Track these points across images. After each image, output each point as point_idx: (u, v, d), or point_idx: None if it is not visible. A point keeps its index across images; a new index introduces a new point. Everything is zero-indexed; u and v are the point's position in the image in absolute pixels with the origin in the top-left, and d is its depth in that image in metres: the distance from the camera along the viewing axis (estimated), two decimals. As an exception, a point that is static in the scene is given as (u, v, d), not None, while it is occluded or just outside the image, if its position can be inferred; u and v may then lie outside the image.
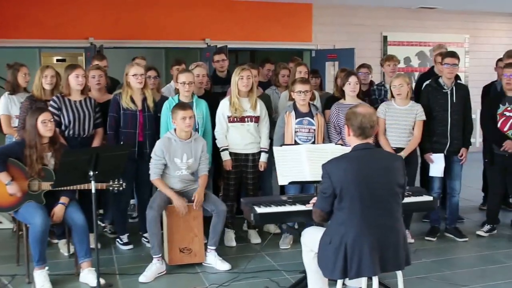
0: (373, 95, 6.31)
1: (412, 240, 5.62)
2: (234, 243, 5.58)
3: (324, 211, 3.50)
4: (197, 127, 5.38)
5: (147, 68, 5.87)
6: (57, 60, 13.61)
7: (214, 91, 6.32)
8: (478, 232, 5.89)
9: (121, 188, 4.70)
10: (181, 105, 5.01)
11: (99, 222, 6.19)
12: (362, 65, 6.65)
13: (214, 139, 5.52)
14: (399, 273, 3.60)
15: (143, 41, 9.55)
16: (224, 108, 5.44)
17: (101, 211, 6.20)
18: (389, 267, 3.46)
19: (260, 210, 3.98)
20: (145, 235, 5.46)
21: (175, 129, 5.00)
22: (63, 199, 4.58)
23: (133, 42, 9.46)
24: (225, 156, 5.45)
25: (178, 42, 9.83)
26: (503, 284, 4.58)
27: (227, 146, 5.45)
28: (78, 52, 11.93)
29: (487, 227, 5.91)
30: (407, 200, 4.29)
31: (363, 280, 3.49)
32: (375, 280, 3.46)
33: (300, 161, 4.33)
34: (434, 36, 11.19)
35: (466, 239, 5.72)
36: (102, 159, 4.12)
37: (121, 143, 5.22)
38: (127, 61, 6.29)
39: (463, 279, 4.67)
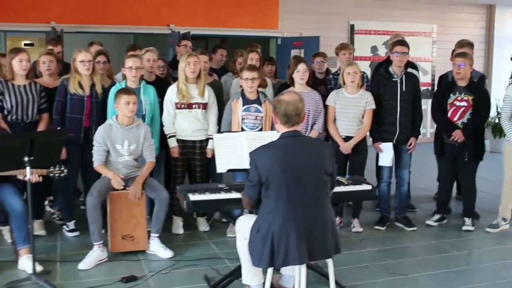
0: (329, 84, 6.26)
1: (361, 229, 5.64)
2: (181, 231, 5.54)
3: (252, 199, 3.47)
4: (144, 113, 5.32)
5: (97, 53, 5.79)
6: (25, 45, 13.39)
7: (174, 76, 6.22)
8: (428, 222, 5.90)
9: (62, 175, 4.63)
10: (125, 90, 4.95)
11: (49, 209, 6.14)
12: (318, 54, 6.59)
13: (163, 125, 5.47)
14: (330, 261, 3.58)
15: (105, 26, 9.45)
16: (171, 94, 5.38)
17: (52, 198, 6.13)
18: (317, 255, 3.44)
19: (193, 197, 3.93)
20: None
21: (117, 115, 4.94)
22: None
23: (95, 27, 9.37)
24: (172, 143, 5.39)
25: (142, 28, 9.73)
26: (443, 273, 4.59)
27: (174, 132, 5.39)
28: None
29: (436, 216, 5.92)
30: (345, 188, 4.31)
31: (296, 269, 3.47)
32: (303, 268, 3.45)
33: (240, 148, 4.28)
34: (401, 25, 11.17)
35: (415, 228, 5.73)
36: (38, 144, 4.06)
37: (58, 128, 5.14)
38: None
39: (404, 268, 4.67)
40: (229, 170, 4.31)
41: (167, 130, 5.40)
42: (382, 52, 11.13)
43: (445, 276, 4.55)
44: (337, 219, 5.70)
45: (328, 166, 3.46)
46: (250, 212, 3.96)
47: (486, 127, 6.75)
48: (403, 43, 5.65)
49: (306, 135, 5.44)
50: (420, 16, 11.48)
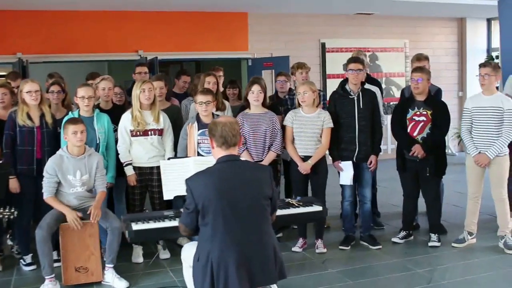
0: (286, 104, 6.20)
1: (325, 250, 5.55)
2: (141, 260, 5.43)
3: (188, 227, 3.40)
4: (98, 142, 5.26)
5: (51, 83, 5.75)
6: (-1, 76, 13.33)
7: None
8: (394, 239, 5.82)
9: (12, 217, 4.51)
10: (72, 120, 4.89)
11: (10, 242, 6.03)
12: (280, 73, 6.54)
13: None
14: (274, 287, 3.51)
15: (73, 55, 9.39)
16: (126, 122, 5.32)
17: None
18: (259, 282, 3.34)
19: (136, 226, 3.86)
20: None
21: (67, 146, 4.87)
22: None
23: (63, 56, 9.31)
24: (129, 171, 5.32)
25: (110, 55, 9.70)
26: (400, 293, 4.52)
27: (130, 160, 5.33)
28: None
29: (402, 233, 5.84)
30: (295, 211, 4.25)
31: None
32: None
33: (188, 173, 4.18)
34: (373, 41, 11.21)
35: (380, 246, 5.64)
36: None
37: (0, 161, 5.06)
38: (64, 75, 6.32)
39: (364, 289, 4.60)
40: (176, 197, 4.24)
41: (123, 158, 5.33)
42: (355, 69, 11.11)
43: (403, 295, 4.48)
44: (301, 241, 5.64)
45: (266, 190, 3.40)
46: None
47: (461, 140, 6.66)
48: (357, 60, 5.62)
49: (263, 156, 5.40)
50: (391, 32, 11.50)
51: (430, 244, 5.63)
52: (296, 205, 4.25)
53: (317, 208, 4.24)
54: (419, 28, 11.74)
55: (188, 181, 3.37)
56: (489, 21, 11.98)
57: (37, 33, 9.15)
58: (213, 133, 3.42)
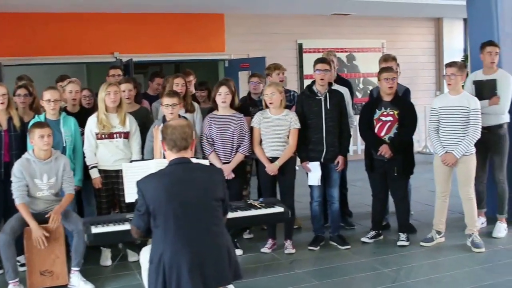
0: (259, 105, 6.18)
1: (293, 251, 5.56)
2: (109, 262, 5.40)
3: (140, 229, 3.39)
4: (64, 145, 5.24)
5: (17, 86, 5.73)
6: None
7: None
8: (363, 239, 5.84)
9: None
10: (38, 124, 4.88)
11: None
12: (253, 75, 6.52)
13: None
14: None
15: (48, 57, 9.35)
16: (91, 124, 5.31)
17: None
18: (212, 284, 3.33)
19: (95, 230, 3.86)
20: (18, 258, 5.27)
21: (33, 149, 4.85)
22: None
23: (38, 58, 9.26)
24: (94, 174, 5.31)
25: (86, 57, 9.66)
26: (365, 293, 4.54)
27: (96, 163, 5.32)
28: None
29: (372, 233, 5.86)
30: (257, 212, 4.26)
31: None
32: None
33: (151, 176, 4.21)
34: (350, 42, 11.26)
35: (349, 246, 5.66)
36: None
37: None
38: (39, 79, 6.22)
39: (327, 289, 4.62)
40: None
41: (89, 161, 5.32)
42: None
43: (367, 295, 4.50)
44: (270, 241, 5.65)
45: (218, 192, 3.41)
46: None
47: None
48: (323, 60, 5.64)
49: (231, 157, 5.41)
50: (368, 32, 11.54)
51: (398, 243, 5.66)
52: (258, 206, 4.26)
53: (279, 209, 4.26)
54: (396, 28, 11.80)
55: (139, 183, 3.37)
56: (465, 20, 11.97)
57: (12, 35, 9.09)
58: (164, 136, 3.44)
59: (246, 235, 6.14)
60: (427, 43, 11.91)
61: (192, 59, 10.37)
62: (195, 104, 5.94)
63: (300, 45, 11.02)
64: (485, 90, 5.86)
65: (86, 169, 5.40)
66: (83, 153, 5.36)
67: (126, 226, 3.92)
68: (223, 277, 3.36)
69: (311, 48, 10.92)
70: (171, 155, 3.43)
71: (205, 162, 4.12)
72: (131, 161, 4.73)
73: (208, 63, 10.96)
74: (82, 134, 5.47)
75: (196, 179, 3.37)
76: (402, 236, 5.71)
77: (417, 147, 9.03)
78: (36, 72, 8.75)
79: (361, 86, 11.57)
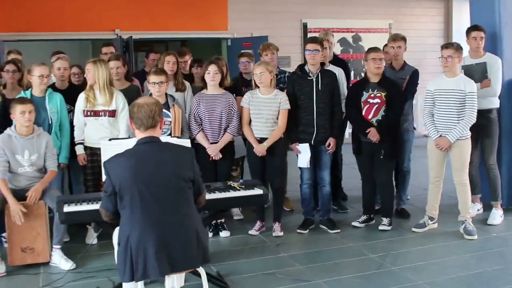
0: (250, 85, 6.07)
1: (281, 233, 5.48)
2: (95, 241, 5.36)
3: (108, 211, 3.33)
4: (50, 122, 5.18)
5: (6, 62, 5.69)
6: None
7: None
8: (354, 223, 5.73)
9: None
10: (19, 100, 4.82)
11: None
12: (242, 54, 6.36)
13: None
14: (202, 271, 3.44)
15: (49, 33, 9.28)
16: (80, 101, 5.25)
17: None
18: (179, 266, 3.27)
19: (67, 208, 3.80)
20: (3, 234, 5.25)
21: (15, 125, 4.79)
22: None
23: (38, 34, 9.19)
24: (78, 150, 5.28)
25: (87, 34, 9.57)
26: (348, 278, 4.45)
27: (82, 140, 5.27)
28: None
29: (363, 217, 5.75)
30: (235, 194, 4.18)
31: (166, 279, 3.32)
32: (175, 279, 3.34)
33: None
34: (356, 22, 11.04)
35: (338, 230, 5.56)
36: None
37: None
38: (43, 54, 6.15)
39: (309, 274, 4.51)
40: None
41: (76, 138, 5.29)
42: (337, 50, 10.95)
43: (349, 281, 4.41)
44: (258, 223, 5.57)
45: (186, 172, 3.32)
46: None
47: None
48: (314, 40, 5.50)
49: (219, 138, 5.31)
50: (375, 12, 11.31)
51: (380, 227, 5.56)
52: (238, 188, 4.16)
53: (258, 191, 4.16)
54: (404, 8, 11.55)
55: (105, 163, 3.31)
56: (475, 1, 11.75)
57: (11, 10, 9.02)
58: (131, 115, 3.36)
59: (236, 216, 6.06)
60: (436, 24, 11.66)
61: (194, 37, 10.24)
62: (186, 83, 5.83)
63: (305, 25, 10.83)
64: (476, 74, 5.70)
65: (74, 147, 5.34)
66: (70, 131, 5.31)
67: (97, 206, 3.84)
68: (190, 259, 3.29)
69: (316, 28, 10.69)
70: (139, 134, 3.36)
71: (175, 140, 4.00)
72: (110, 139, 4.64)
73: (213, 41, 10.80)
74: (70, 111, 5.43)
75: (164, 158, 3.29)
76: (385, 220, 5.61)
77: (424, 131, 8.84)
78: (36, 49, 8.73)
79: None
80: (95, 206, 3.83)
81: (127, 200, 3.19)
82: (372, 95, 5.42)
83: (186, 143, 4.37)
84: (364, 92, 5.45)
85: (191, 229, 3.29)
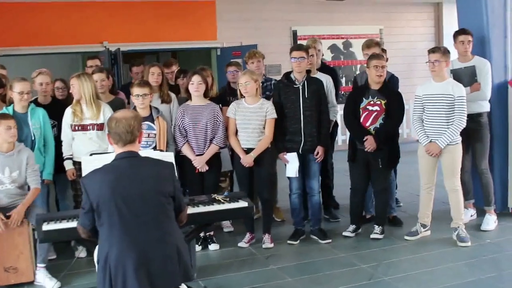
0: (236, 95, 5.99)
1: (271, 245, 5.38)
2: (83, 254, 5.23)
3: (86, 227, 3.23)
4: (33, 138, 5.09)
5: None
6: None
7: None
8: (344, 233, 5.62)
9: None
10: (3, 115, 4.73)
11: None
12: (230, 63, 6.29)
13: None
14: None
15: (35, 47, 9.18)
16: (67, 116, 5.19)
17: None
18: (159, 283, 3.16)
19: (46, 227, 3.70)
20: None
21: (-5, 142, 4.70)
22: None
23: (23, 49, 9.10)
24: (67, 165, 5.20)
25: (74, 47, 9.47)
26: (336, 291, 4.35)
27: (71, 155, 5.19)
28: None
29: (352, 227, 5.65)
30: (219, 207, 4.08)
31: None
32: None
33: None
34: (346, 28, 10.97)
35: (329, 241, 5.46)
36: None
37: None
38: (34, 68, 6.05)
39: (300, 286, 4.43)
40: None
41: (64, 153, 5.22)
42: (328, 56, 10.89)
43: (337, 292, 4.31)
44: (248, 236, 5.47)
45: (166, 187, 3.23)
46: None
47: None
48: (299, 48, 5.43)
49: (205, 149, 5.22)
50: (365, 18, 11.24)
51: (372, 236, 5.47)
52: (222, 201, 4.07)
53: (242, 204, 4.07)
54: (394, 14, 11.49)
55: (83, 179, 3.23)
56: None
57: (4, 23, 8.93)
58: (109, 129, 3.26)
59: (226, 229, 5.96)
60: (426, 28, 11.60)
61: (183, 48, 10.16)
62: (172, 95, 5.74)
63: (295, 32, 10.75)
64: (465, 78, 5.64)
65: (61, 162, 5.25)
66: (55, 146, 5.23)
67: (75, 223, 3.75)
68: (171, 277, 3.19)
69: (306, 35, 10.57)
70: (118, 149, 3.26)
71: (157, 154, 3.89)
72: (90, 154, 4.54)
73: (203, 51, 10.73)
74: (54, 126, 5.35)
75: (143, 174, 3.19)
76: (377, 228, 5.52)
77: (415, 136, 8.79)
78: (29, 63, 8.64)
79: (358, 73, 11.29)
80: (75, 223, 3.73)
81: (105, 217, 3.11)
82: (372, 102, 5.33)
83: (169, 156, 4.29)
84: (364, 99, 5.36)
85: (172, 246, 3.19)
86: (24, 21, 9.07)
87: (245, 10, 10.37)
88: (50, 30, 9.24)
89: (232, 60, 6.49)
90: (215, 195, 4.19)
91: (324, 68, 6.31)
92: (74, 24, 9.33)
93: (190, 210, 3.97)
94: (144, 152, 4.34)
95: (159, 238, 3.16)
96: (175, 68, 6.74)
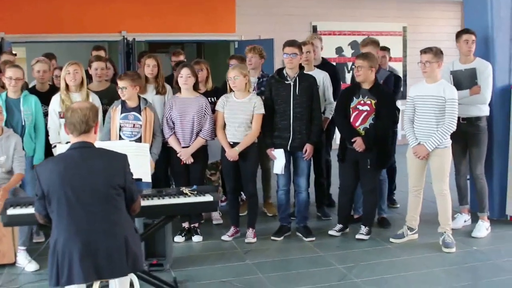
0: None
1: (254, 240, 5.39)
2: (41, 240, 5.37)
3: (41, 213, 3.33)
4: (23, 124, 5.22)
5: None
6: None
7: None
8: (330, 232, 5.57)
9: None
10: (-11, 101, 4.87)
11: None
12: (232, 57, 6.34)
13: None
14: (123, 280, 3.34)
15: (55, 35, 9.37)
16: (54, 103, 5.29)
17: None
18: (106, 273, 3.21)
19: (10, 211, 3.80)
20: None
21: (-16, 127, 4.85)
22: None
23: (44, 36, 9.29)
24: (55, 152, 5.26)
25: (93, 36, 9.61)
26: (304, 290, 4.33)
27: (59, 142, 5.27)
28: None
29: (338, 226, 5.60)
30: (184, 200, 4.10)
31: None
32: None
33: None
34: (368, 25, 10.80)
35: (313, 238, 5.43)
36: None
37: None
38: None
39: (267, 283, 4.43)
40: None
41: (51, 140, 5.31)
42: (348, 53, 10.77)
43: (304, 293, 4.29)
44: (232, 229, 5.49)
45: (116, 179, 3.27)
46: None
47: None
48: (292, 43, 5.38)
49: (191, 142, 5.25)
50: (388, 15, 11.07)
51: (357, 236, 5.41)
52: (189, 194, 4.10)
53: (208, 198, 4.08)
54: (418, 11, 11.28)
55: (37, 167, 3.32)
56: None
57: (18, 12, 9.12)
58: (66, 119, 3.33)
59: (215, 221, 6.00)
60: (452, 27, 11.25)
61: (201, 39, 10.21)
62: (167, 86, 5.78)
63: (315, 27, 10.66)
64: (465, 80, 5.50)
65: (49, 149, 5.37)
66: (45, 133, 5.34)
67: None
68: (118, 268, 3.23)
69: (326, 30, 10.52)
70: (72, 139, 3.33)
71: (111, 145, 3.90)
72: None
73: (222, 44, 10.77)
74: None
75: (94, 165, 3.25)
76: (363, 229, 5.46)
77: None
78: (53, 50, 8.83)
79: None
80: (38, 209, 3.83)
81: (54, 205, 3.18)
82: (362, 102, 5.27)
83: (144, 147, 4.35)
84: (354, 98, 5.30)
85: (119, 237, 3.23)
86: (42, 9, 9.22)
87: (265, 4, 10.35)
88: (76, 18, 9.40)
89: (233, 54, 6.53)
90: (183, 188, 4.21)
91: (324, 64, 6.25)
92: (92, 13, 9.47)
93: (156, 201, 4.02)
94: (119, 143, 4.47)
95: (106, 229, 3.20)
96: (182, 58, 6.83)
